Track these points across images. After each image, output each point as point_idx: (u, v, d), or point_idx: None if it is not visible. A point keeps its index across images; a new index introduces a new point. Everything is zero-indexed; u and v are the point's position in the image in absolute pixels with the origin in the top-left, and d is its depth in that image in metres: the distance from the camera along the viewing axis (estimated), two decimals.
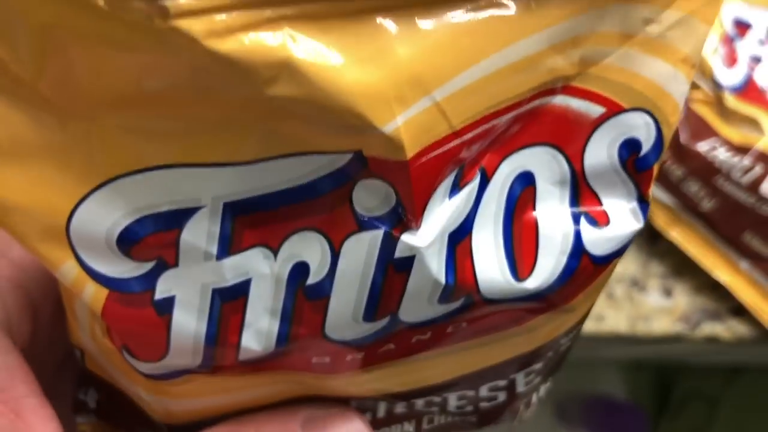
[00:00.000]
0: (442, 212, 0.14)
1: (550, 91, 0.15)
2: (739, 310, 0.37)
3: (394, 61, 0.12)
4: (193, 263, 0.14)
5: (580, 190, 0.16)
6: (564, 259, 0.15)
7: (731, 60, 0.34)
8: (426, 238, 0.14)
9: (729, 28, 0.33)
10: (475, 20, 0.13)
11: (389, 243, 0.14)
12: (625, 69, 0.15)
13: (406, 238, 0.14)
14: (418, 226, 0.14)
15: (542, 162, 0.15)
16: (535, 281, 0.15)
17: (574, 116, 0.15)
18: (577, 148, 0.15)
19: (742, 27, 0.33)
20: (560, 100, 0.15)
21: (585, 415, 0.64)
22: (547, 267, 0.15)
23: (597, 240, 0.16)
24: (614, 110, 0.15)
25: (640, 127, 0.15)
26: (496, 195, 0.15)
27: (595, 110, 0.15)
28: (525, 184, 0.15)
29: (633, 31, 0.15)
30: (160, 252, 0.13)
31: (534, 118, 0.15)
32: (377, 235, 0.14)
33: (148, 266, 0.14)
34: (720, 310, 0.38)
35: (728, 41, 0.34)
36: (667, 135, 0.16)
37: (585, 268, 0.16)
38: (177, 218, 0.13)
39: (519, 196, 0.15)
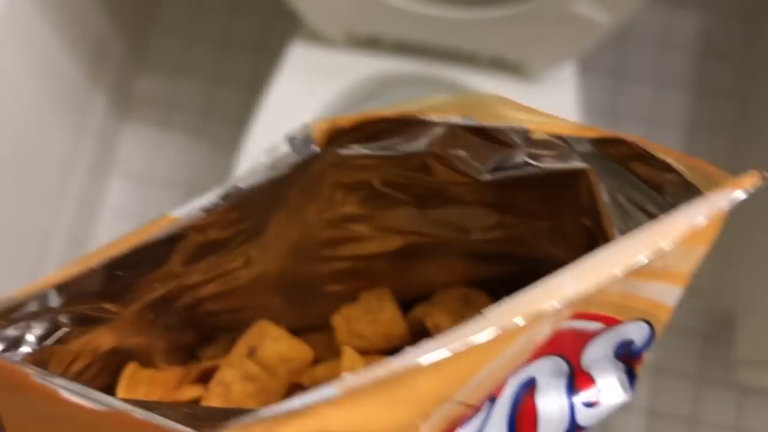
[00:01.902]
0: None
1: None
2: None
3: (418, 395, 0.15)
4: None
5: (576, 377, 0.18)
6: None
7: None
8: None
9: None
10: None
11: None
12: (627, 294, 0.16)
13: None
14: None
15: (544, 367, 0.17)
16: None
17: (576, 333, 0.16)
18: (577, 351, 0.17)
19: None
20: (564, 325, 0.16)
21: None
22: None
23: (589, 416, 0.18)
24: (613, 324, 0.16)
25: (635, 331, 0.17)
26: (503, 405, 0.17)
27: (596, 326, 0.16)
28: (528, 386, 0.17)
29: (641, 267, 0.17)
30: None
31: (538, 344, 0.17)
32: None
33: None
34: None
35: None
36: (659, 331, 0.18)
37: None
38: None
39: (522, 396, 0.17)
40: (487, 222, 0.33)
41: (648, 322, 0.18)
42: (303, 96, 0.75)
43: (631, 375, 0.18)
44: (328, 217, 0.34)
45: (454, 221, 0.33)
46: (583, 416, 0.18)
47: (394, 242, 0.35)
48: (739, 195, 0.18)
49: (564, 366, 0.17)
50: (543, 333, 0.16)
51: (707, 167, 0.20)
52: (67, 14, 0.95)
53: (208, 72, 1.19)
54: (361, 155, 0.28)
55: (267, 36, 1.20)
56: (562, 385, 0.17)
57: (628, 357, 0.18)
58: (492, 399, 0.17)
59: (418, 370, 0.15)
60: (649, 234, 0.17)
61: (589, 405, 0.18)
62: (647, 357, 0.19)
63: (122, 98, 1.16)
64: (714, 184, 0.19)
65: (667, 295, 0.17)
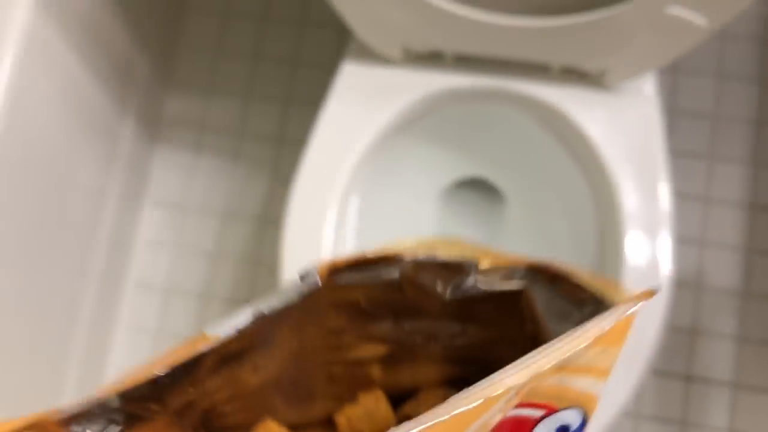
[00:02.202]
0: None
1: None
2: None
3: None
4: None
5: None
6: None
7: None
8: None
9: None
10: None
11: None
12: (561, 386, 0.22)
13: None
14: None
15: None
16: None
17: (523, 418, 0.21)
18: None
19: None
20: (513, 412, 0.21)
21: None
22: None
23: None
24: (552, 411, 0.21)
25: (570, 417, 0.22)
26: None
27: (538, 413, 0.21)
28: None
29: (567, 364, 0.21)
30: None
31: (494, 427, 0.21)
32: None
33: None
34: None
35: None
36: (590, 416, 0.22)
37: None
38: None
39: None
40: (453, 331, 0.41)
41: (580, 410, 0.22)
42: (359, 119, 0.69)
43: None
44: (324, 330, 0.42)
45: (425, 331, 0.42)
46: None
47: (379, 349, 0.43)
48: (637, 307, 0.24)
49: None
50: (495, 418, 0.21)
51: (614, 284, 0.26)
52: (90, 37, 0.89)
53: (239, 89, 1.13)
54: (351, 282, 0.38)
55: (299, 47, 1.13)
56: None
57: None
58: None
59: None
60: (570, 338, 0.22)
61: None
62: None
63: (151, 121, 1.10)
64: (619, 297, 0.26)
65: (594, 387, 0.23)
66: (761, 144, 1.04)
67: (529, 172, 0.87)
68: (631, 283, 0.64)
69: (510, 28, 0.60)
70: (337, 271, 0.38)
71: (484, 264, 0.35)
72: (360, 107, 0.69)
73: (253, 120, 1.12)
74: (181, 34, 1.15)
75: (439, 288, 0.36)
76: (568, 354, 0.21)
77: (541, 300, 0.30)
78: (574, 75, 0.68)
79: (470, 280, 0.35)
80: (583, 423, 0.23)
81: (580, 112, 0.67)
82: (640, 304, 0.23)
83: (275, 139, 1.11)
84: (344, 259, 0.38)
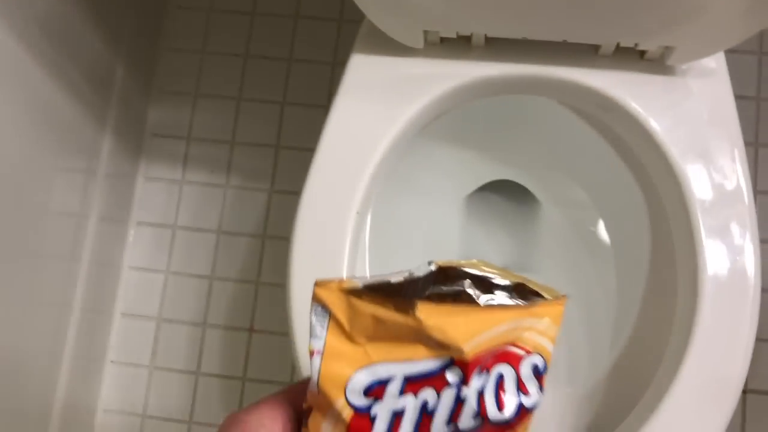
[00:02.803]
0: None
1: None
2: None
3: None
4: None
5: (521, 383, 0.31)
6: None
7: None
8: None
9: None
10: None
11: None
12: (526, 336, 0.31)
13: None
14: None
15: (504, 369, 0.30)
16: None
17: (513, 354, 0.30)
18: (517, 366, 0.30)
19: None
20: (507, 348, 0.31)
21: None
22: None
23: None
24: (529, 353, 0.30)
25: (539, 360, 0.30)
26: (476, 386, 0.30)
27: (521, 352, 0.30)
28: (499, 379, 0.30)
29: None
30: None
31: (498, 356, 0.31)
32: None
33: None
34: None
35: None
36: (549, 364, 0.31)
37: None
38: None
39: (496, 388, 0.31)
40: None
41: (542, 357, 0.31)
42: (377, 119, 0.58)
43: (540, 388, 0.31)
44: None
45: None
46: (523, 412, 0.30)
47: None
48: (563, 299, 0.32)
49: (514, 372, 0.30)
50: (506, 336, 0.30)
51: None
52: (57, 45, 0.78)
53: (228, 91, 1.02)
54: None
55: (293, 43, 1.02)
56: (514, 385, 0.30)
57: (539, 375, 0.31)
58: (464, 377, 0.30)
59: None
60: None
61: (532, 406, 0.31)
62: None
63: (132, 134, 0.99)
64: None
65: (546, 343, 0.31)
66: None
67: (566, 172, 0.77)
68: (713, 295, 0.54)
69: (552, 4, 0.49)
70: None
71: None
72: (377, 105, 0.58)
73: (246, 125, 1.01)
74: (162, 35, 1.04)
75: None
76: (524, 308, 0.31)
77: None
78: (630, 57, 0.58)
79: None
80: (545, 367, 0.31)
81: (640, 99, 0.57)
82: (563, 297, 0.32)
83: (271, 146, 1.00)
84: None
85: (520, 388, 0.30)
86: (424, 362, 0.30)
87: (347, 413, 0.29)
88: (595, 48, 0.58)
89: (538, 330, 0.31)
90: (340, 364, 0.30)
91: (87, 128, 0.86)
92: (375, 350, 0.30)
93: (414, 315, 0.30)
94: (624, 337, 0.69)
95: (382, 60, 0.59)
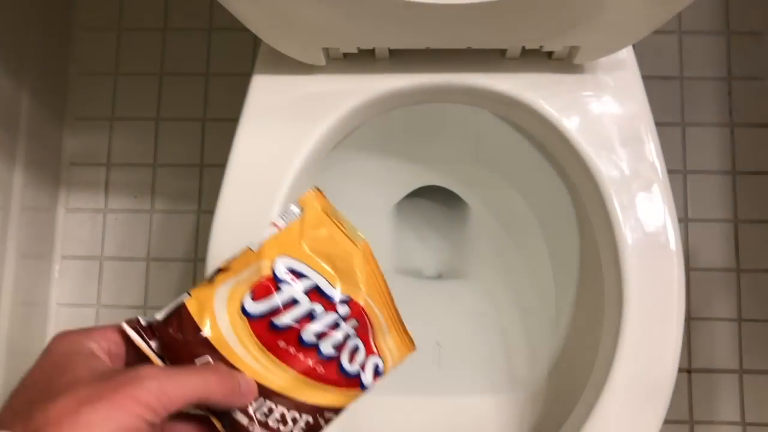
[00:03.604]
0: None
1: None
2: None
3: None
4: None
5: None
6: None
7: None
8: None
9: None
10: None
11: None
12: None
13: None
14: None
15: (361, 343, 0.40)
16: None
17: (372, 346, 0.41)
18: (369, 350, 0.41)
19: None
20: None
21: None
22: None
23: None
24: (380, 354, 0.41)
25: (381, 362, 0.41)
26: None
27: (375, 348, 0.41)
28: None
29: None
30: None
31: None
32: None
33: None
34: None
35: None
36: (386, 372, 0.41)
37: None
38: None
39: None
40: None
41: (384, 362, 0.41)
42: (283, 141, 0.55)
43: (372, 380, 0.40)
44: None
45: None
46: None
47: None
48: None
49: (365, 352, 0.40)
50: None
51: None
52: None
53: (146, 112, 0.98)
54: None
55: (205, 56, 0.99)
56: (362, 359, 0.40)
57: (377, 373, 0.41)
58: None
59: None
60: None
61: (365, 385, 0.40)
62: None
63: (47, 165, 0.94)
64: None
65: (390, 362, 0.41)
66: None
67: (492, 174, 0.75)
68: (638, 287, 0.53)
69: (454, 8, 0.47)
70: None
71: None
72: (283, 127, 0.56)
73: (167, 146, 0.97)
74: (72, 59, 0.99)
75: None
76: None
77: None
78: (538, 58, 0.56)
79: None
80: (382, 372, 0.41)
81: (550, 100, 0.55)
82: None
83: (195, 165, 0.96)
84: None
85: (363, 366, 0.40)
86: (335, 289, 0.39)
87: (266, 272, 0.38)
88: (502, 52, 0.56)
89: (391, 347, 0.41)
90: (284, 246, 0.39)
91: None
92: (309, 256, 0.39)
93: (359, 245, 0.41)
94: (561, 338, 0.68)
95: (285, 79, 0.57)
